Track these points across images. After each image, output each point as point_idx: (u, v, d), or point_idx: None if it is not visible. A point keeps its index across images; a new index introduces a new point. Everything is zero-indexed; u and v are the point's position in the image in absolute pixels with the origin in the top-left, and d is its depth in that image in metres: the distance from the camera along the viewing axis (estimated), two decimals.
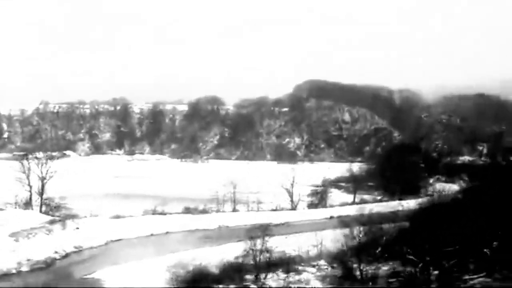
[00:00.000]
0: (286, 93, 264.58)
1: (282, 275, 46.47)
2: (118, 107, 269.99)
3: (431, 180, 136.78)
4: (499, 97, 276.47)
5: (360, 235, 48.88)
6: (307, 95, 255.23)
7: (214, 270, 46.61)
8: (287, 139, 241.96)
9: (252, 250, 47.01)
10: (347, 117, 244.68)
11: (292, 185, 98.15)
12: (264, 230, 49.11)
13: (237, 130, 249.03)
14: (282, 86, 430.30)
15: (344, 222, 55.25)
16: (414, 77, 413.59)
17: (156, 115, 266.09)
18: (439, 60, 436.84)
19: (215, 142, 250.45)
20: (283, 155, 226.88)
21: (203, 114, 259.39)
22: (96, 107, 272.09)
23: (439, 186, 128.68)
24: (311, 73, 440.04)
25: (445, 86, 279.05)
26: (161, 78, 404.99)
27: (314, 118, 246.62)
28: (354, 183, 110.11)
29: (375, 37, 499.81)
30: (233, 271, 46.04)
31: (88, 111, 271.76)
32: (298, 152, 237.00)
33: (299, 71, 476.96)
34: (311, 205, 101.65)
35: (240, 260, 48.55)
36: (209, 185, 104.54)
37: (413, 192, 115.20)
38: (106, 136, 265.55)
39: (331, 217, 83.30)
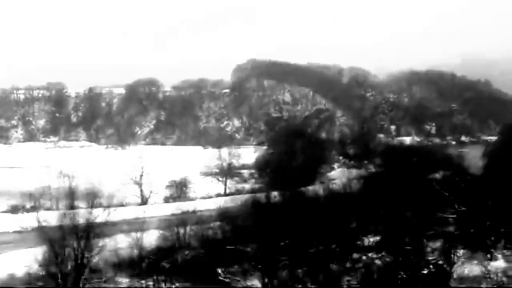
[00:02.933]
0: (229, 73, 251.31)
1: None
2: (54, 92, 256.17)
3: (336, 166, 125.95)
4: (453, 73, 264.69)
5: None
6: (248, 75, 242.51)
7: None
8: (225, 122, 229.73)
9: None
10: (288, 97, 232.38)
11: (141, 175, 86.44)
12: None
13: (174, 114, 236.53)
14: (225, 66, 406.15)
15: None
16: (366, 55, 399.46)
17: (92, 100, 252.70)
18: (396, 38, 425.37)
19: (152, 126, 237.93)
20: (221, 139, 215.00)
21: (140, 97, 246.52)
22: (31, 92, 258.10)
23: (339, 173, 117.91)
24: (258, 52, 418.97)
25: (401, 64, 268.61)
26: (99, 60, 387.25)
27: (254, 99, 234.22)
28: (226, 171, 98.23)
29: (326, 15, 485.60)
30: None
31: (22, 96, 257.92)
32: (237, 135, 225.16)
33: (244, 50, 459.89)
34: (171, 198, 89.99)
35: None
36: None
37: (307, 180, 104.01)
38: (41, 122, 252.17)
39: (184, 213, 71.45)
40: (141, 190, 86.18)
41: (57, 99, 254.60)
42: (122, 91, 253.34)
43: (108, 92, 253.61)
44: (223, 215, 58.08)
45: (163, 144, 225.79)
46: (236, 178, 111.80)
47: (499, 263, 51.79)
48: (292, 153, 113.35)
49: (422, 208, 65.27)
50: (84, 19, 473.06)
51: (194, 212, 56.70)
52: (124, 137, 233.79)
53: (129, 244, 46.99)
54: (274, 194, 70.29)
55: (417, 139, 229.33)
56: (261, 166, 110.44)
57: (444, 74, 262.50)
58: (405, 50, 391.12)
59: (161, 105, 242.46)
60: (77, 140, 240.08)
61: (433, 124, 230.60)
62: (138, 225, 58.34)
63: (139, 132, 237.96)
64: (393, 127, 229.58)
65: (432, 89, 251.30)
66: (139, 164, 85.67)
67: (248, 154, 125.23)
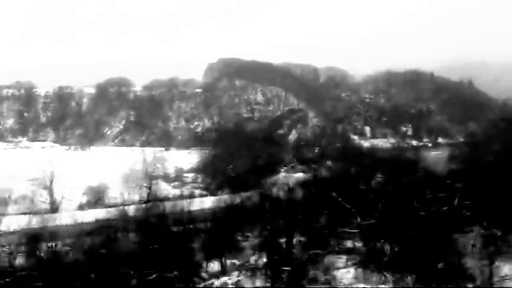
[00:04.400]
0: (200, 73, 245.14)
1: None
2: (23, 91, 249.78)
3: (283, 170, 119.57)
4: (432, 74, 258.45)
5: None
6: (220, 75, 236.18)
7: None
8: (195, 123, 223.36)
9: None
10: (260, 97, 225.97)
11: (51, 180, 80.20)
12: None
13: (144, 114, 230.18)
14: (198, 65, 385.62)
15: None
16: (345, 55, 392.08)
17: (61, 99, 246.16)
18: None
19: (121, 127, 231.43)
20: (191, 140, 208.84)
21: (110, 97, 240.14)
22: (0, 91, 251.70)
23: (283, 177, 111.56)
24: (233, 52, 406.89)
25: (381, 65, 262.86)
26: (71, 59, 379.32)
27: (226, 99, 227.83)
28: (150, 176, 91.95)
29: (305, 14, 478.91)
30: None
31: None
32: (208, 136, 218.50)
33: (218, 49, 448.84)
34: (87, 205, 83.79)
35: None
36: None
37: (248, 184, 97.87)
38: (10, 122, 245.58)
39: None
40: (51, 196, 79.90)
41: (26, 98, 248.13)
42: (93, 90, 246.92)
43: (78, 92, 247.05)
44: (96, 230, 51.97)
45: (132, 145, 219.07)
46: (176, 183, 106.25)
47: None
48: (233, 156, 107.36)
49: (327, 222, 59.24)
50: (54, 16, 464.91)
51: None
52: (93, 138, 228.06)
53: None
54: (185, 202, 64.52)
55: (393, 140, 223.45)
56: (199, 170, 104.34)
57: (423, 74, 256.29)
58: (390, 50, 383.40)
59: (131, 105, 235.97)
60: (45, 141, 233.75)
61: (409, 126, 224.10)
62: None
63: (108, 133, 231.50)
64: (367, 129, 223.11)
65: (410, 90, 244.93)
66: (49, 169, 79.30)
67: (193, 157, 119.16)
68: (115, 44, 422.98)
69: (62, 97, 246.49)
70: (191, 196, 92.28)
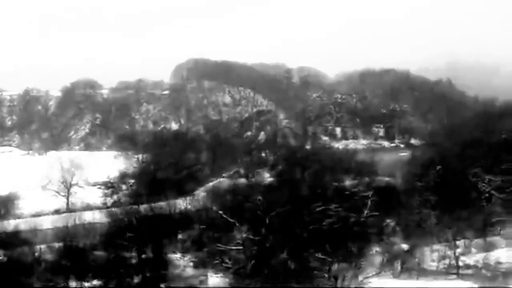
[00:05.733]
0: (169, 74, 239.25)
1: None
2: None
3: (226, 175, 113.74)
4: (408, 72, 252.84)
5: None
6: (189, 76, 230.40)
7: None
8: (162, 125, 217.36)
9: None
10: (228, 99, 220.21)
11: None
12: None
13: (110, 117, 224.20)
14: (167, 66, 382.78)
15: None
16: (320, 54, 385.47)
17: (27, 103, 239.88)
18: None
19: (87, 130, 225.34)
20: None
21: (77, 99, 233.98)
22: None
23: (223, 183, 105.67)
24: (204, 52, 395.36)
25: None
26: (37, 62, 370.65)
27: (193, 101, 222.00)
28: (69, 183, 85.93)
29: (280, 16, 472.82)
30: None
31: None
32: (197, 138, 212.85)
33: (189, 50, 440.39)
34: None
35: None
36: None
37: (184, 191, 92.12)
38: None
39: None
40: None
41: None
42: (60, 93, 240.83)
43: (44, 95, 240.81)
44: None
45: (98, 149, 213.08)
46: (106, 191, 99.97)
47: None
48: (170, 161, 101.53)
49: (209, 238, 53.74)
50: (19, 18, 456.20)
51: None
52: (58, 142, 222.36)
53: None
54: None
55: (364, 142, 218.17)
56: (131, 176, 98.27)
57: (399, 73, 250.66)
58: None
59: (98, 108, 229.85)
60: (10, 145, 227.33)
61: (381, 126, 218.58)
62: None
63: (73, 136, 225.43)
64: (338, 130, 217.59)
65: (385, 90, 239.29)
66: None
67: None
68: (84, 46, 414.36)
69: (28, 100, 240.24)
70: (116, 204, 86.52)
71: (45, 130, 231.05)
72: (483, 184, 63.48)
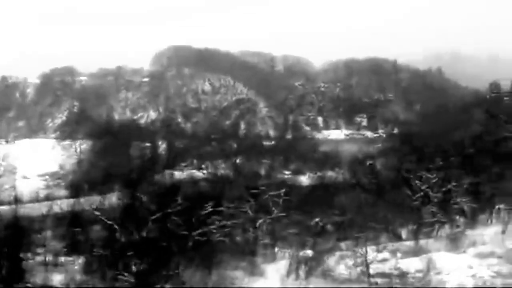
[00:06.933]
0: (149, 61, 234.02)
1: None
2: None
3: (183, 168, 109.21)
4: (396, 61, 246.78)
5: None
6: (168, 63, 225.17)
7: None
8: (140, 114, 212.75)
9: None
10: (208, 87, 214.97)
11: None
12: None
13: (88, 104, 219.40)
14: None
15: None
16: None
17: (4, 90, 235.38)
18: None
19: (64, 118, 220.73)
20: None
21: (55, 86, 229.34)
22: None
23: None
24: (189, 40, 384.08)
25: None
26: (16, 49, 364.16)
27: (173, 89, 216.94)
28: None
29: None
30: None
31: None
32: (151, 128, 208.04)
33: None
34: None
35: None
36: None
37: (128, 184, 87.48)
38: None
39: None
40: None
41: None
42: (38, 80, 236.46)
43: (22, 82, 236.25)
44: None
45: (74, 138, 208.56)
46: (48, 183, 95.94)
47: None
48: (116, 151, 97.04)
49: None
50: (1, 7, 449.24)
51: None
52: (35, 129, 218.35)
53: None
54: None
55: (347, 132, 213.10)
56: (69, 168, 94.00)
57: (386, 62, 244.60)
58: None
59: (76, 95, 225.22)
60: None
61: (364, 116, 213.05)
62: None
63: (50, 125, 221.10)
64: (320, 119, 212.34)
65: (370, 79, 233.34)
66: None
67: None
68: (65, 35, 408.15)
69: (5, 88, 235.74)
70: (48, 198, 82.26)
71: (22, 118, 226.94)
72: (417, 182, 58.35)
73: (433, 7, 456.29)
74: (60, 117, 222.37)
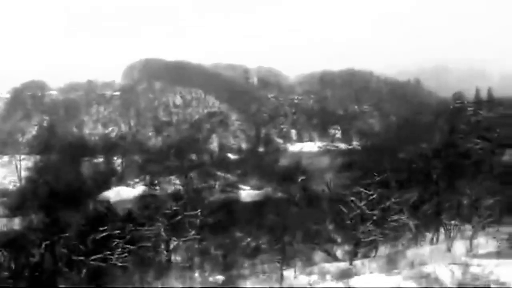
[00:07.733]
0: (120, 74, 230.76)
1: None
2: None
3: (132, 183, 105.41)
4: (372, 73, 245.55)
5: None
6: (140, 77, 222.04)
7: None
8: (111, 128, 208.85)
9: None
10: (179, 100, 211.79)
11: None
12: None
13: (58, 119, 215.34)
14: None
15: None
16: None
17: None
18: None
19: (34, 133, 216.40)
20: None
21: (26, 101, 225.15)
22: None
23: (115, 193, 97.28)
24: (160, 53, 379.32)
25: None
26: None
27: (144, 102, 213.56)
28: None
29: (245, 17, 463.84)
30: None
31: None
32: (121, 143, 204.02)
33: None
34: None
35: None
36: None
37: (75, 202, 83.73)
38: None
39: None
40: None
41: None
42: (8, 95, 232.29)
43: None
44: None
45: (43, 152, 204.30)
46: None
47: None
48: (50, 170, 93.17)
49: None
50: None
51: None
52: (6, 145, 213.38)
53: None
54: None
55: (320, 144, 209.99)
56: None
57: (363, 74, 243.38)
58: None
59: (46, 110, 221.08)
60: None
61: (338, 128, 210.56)
62: None
63: (20, 140, 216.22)
64: (293, 132, 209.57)
65: (345, 90, 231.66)
66: None
67: None
68: (37, 50, 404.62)
69: None
70: None
71: None
72: (352, 199, 55.15)
73: (418, 18, 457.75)
74: (30, 132, 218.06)
